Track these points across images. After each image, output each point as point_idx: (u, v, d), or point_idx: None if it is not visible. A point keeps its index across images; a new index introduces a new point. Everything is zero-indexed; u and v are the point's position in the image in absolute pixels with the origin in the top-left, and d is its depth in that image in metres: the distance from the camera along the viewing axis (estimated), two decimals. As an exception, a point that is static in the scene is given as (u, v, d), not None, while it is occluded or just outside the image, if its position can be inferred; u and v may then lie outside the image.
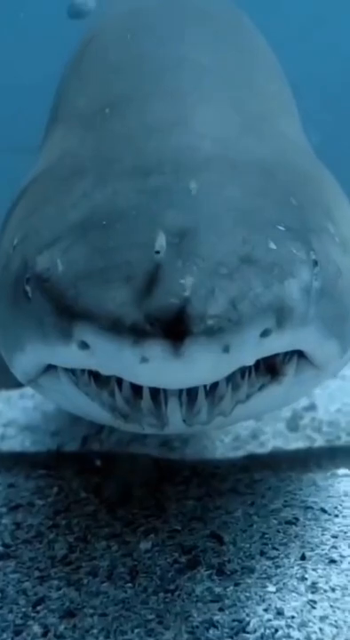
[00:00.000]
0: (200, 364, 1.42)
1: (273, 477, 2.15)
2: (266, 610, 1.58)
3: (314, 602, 1.59)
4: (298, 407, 2.95)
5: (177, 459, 2.37)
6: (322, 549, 1.74)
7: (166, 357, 1.41)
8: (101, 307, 1.46)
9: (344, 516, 1.86)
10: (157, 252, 1.46)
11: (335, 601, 1.59)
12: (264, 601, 1.60)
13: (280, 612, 1.56)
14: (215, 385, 1.54)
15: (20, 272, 1.67)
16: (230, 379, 1.55)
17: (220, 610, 1.60)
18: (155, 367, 1.43)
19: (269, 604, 1.59)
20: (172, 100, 1.97)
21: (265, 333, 1.49)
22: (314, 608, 1.57)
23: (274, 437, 2.75)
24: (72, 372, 1.65)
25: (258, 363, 1.57)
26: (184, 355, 1.41)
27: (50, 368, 1.70)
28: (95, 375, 1.59)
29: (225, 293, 1.45)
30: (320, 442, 2.68)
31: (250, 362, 1.53)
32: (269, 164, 1.82)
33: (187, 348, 1.41)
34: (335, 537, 1.78)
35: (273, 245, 1.56)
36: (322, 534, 1.80)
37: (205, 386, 1.53)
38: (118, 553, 1.82)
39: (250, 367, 1.57)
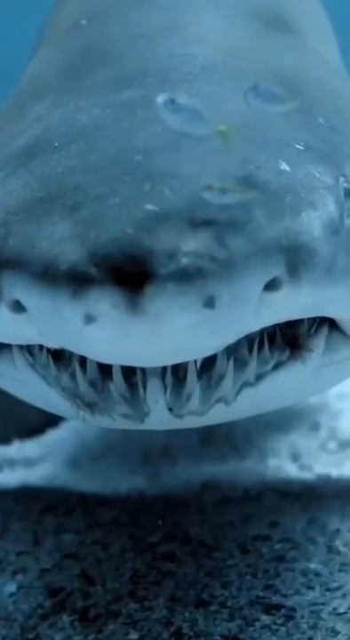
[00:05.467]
0: (172, 327, 1.01)
1: (161, 503, 2.04)
2: (124, 660, 1.47)
3: (176, 650, 1.48)
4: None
5: (66, 484, 2.25)
6: (194, 589, 1.63)
7: (120, 316, 1.01)
8: (34, 247, 1.08)
9: (223, 550, 1.76)
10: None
11: (197, 649, 1.48)
12: (124, 650, 1.49)
13: (136, 664, 1.46)
14: (212, 361, 1.18)
15: None
16: (231, 352, 1.18)
17: (77, 661, 1.49)
18: (108, 331, 1.03)
19: (129, 654, 1.48)
20: (168, 6, 1.59)
21: (272, 285, 1.09)
22: (175, 657, 1.47)
23: (183, 454, 2.63)
24: (29, 351, 1.30)
25: (273, 333, 1.22)
26: (146, 311, 1.00)
27: (3, 348, 1.34)
28: (56, 354, 1.24)
29: (209, 224, 1.05)
30: (231, 460, 2.56)
31: (253, 327, 1.12)
32: (292, 78, 1.44)
33: (150, 299, 0.99)
34: (209, 574, 1.67)
35: (286, 167, 1.18)
36: (197, 571, 1.69)
37: (196, 361, 1.16)
38: (-19, 597, 1.70)
39: (261, 338, 1.21)
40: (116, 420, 1.23)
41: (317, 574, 1.63)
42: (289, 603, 1.54)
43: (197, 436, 2.72)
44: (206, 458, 2.58)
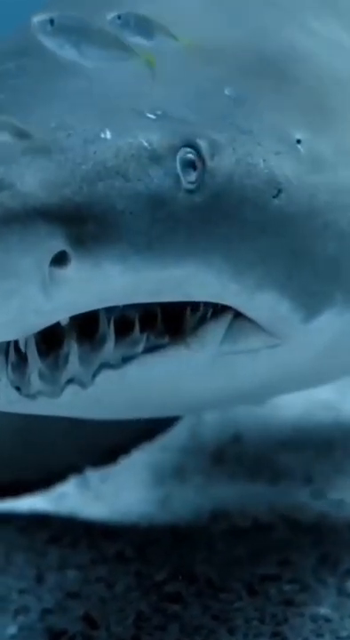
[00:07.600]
0: None
1: (169, 536, 1.98)
2: None
3: None
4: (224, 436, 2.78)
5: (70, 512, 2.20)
6: (200, 635, 1.57)
7: None
8: None
9: (230, 591, 1.70)
10: None
11: None
12: None
13: None
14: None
15: None
16: (77, 328, 1.13)
17: None
18: None
19: None
20: None
21: (58, 261, 1.04)
22: None
23: (196, 472, 2.57)
24: None
25: (154, 316, 1.16)
26: None
27: None
28: None
29: None
30: (241, 483, 2.48)
31: (44, 306, 1.06)
32: (230, 45, 1.32)
33: None
34: (215, 618, 1.62)
35: (107, 135, 1.10)
36: (203, 614, 1.63)
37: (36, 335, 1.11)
38: (-20, 640, 1.66)
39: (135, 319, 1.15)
40: None
41: (327, 620, 1.57)
42: (297, 653, 1.49)
43: (209, 455, 2.67)
44: (217, 479, 2.53)
